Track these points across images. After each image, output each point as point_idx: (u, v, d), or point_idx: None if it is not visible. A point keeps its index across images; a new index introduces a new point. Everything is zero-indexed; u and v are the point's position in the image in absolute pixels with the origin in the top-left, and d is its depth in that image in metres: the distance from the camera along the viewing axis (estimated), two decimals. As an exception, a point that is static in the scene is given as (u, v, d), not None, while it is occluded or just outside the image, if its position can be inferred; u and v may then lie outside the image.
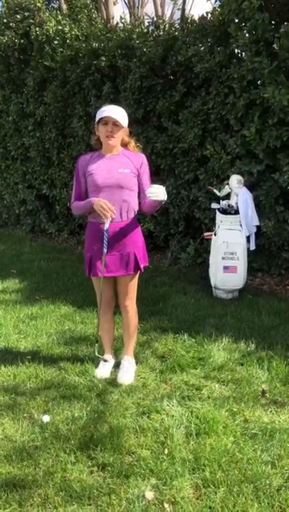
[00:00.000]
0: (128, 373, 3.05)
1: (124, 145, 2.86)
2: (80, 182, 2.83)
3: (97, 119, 2.72)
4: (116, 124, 2.70)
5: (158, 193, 2.59)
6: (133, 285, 2.98)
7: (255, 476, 2.13)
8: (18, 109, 6.99)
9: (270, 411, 2.67)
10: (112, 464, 2.25)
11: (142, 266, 2.90)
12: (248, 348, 3.42)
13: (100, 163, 2.77)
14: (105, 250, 2.77)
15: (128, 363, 3.12)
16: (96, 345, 3.06)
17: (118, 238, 2.77)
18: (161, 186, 2.62)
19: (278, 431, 2.46)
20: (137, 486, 2.11)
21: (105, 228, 2.73)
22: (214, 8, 5.00)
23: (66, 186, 6.70)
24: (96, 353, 3.03)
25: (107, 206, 2.66)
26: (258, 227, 4.53)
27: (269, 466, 2.21)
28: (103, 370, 3.10)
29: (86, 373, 3.09)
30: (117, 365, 3.16)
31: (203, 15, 5.06)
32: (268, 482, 2.10)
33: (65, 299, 4.51)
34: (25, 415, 2.67)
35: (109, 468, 2.23)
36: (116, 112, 2.68)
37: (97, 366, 3.15)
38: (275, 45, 4.08)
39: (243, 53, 4.63)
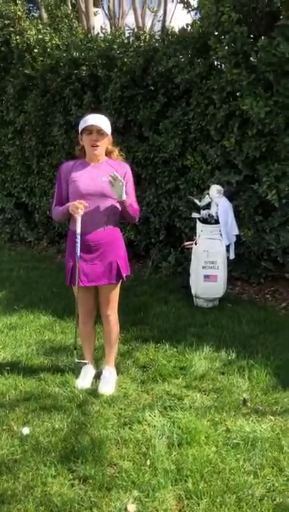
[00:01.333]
0: (109, 384, 3.02)
1: (108, 154, 2.86)
2: (61, 188, 2.82)
3: (80, 128, 2.71)
4: (100, 133, 2.71)
5: (116, 186, 2.64)
6: (115, 294, 2.97)
7: (237, 487, 2.13)
8: (-2, 116, 6.93)
9: (252, 420, 2.67)
10: (94, 476, 2.22)
11: (124, 275, 2.89)
12: (229, 357, 3.43)
13: (84, 171, 2.77)
14: (78, 254, 2.75)
15: (109, 373, 3.09)
16: (75, 351, 3.03)
17: (100, 247, 2.76)
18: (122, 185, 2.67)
19: (260, 440, 2.47)
20: (119, 499, 2.08)
21: (78, 231, 2.72)
22: (194, 21, 5.07)
23: (46, 195, 6.65)
24: (76, 359, 3.02)
25: (78, 202, 2.67)
26: (237, 236, 4.57)
27: (251, 476, 2.21)
28: (84, 381, 3.07)
29: (66, 384, 3.04)
30: (98, 376, 3.13)
31: (183, 27, 5.12)
32: (250, 492, 2.10)
33: (45, 309, 4.46)
34: (4, 427, 2.62)
35: (90, 481, 2.20)
36: (99, 121, 2.69)
37: (77, 377, 3.12)
38: (252, 58, 4.15)
39: (223, 65, 4.69)
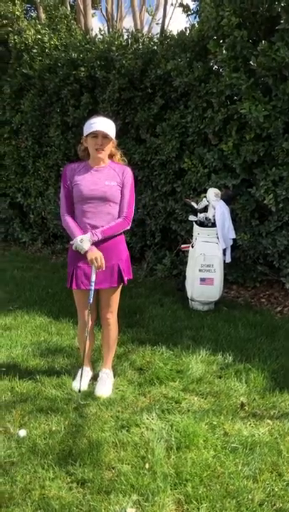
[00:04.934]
0: (106, 386, 3.00)
1: (111, 156, 2.85)
2: (69, 191, 2.78)
3: (86, 131, 2.69)
4: (105, 137, 2.69)
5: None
6: (116, 298, 2.96)
7: (237, 491, 2.12)
8: (-6, 116, 6.90)
9: (250, 424, 2.67)
10: (92, 479, 2.20)
11: (125, 278, 2.87)
12: (226, 361, 3.43)
13: (87, 175, 2.75)
14: (91, 301, 2.80)
15: (106, 375, 3.08)
16: (79, 393, 2.90)
17: (102, 251, 2.73)
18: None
19: (258, 444, 2.46)
20: (118, 503, 2.06)
21: (92, 279, 2.75)
22: (193, 25, 5.08)
23: (41, 195, 6.63)
24: (80, 401, 2.85)
25: (100, 262, 2.69)
26: (233, 240, 4.57)
27: (251, 481, 2.20)
28: (81, 383, 3.04)
29: (63, 386, 3.02)
30: (94, 378, 3.12)
31: (182, 30, 5.13)
32: (250, 497, 2.09)
33: (40, 310, 4.42)
34: (0, 429, 2.59)
35: (89, 484, 2.17)
36: (106, 125, 2.67)
37: (74, 378, 3.09)
38: (251, 62, 4.16)
39: (221, 69, 4.70)
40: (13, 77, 6.42)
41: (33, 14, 9.16)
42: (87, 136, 2.71)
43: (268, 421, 2.69)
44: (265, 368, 3.27)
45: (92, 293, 2.78)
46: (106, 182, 2.73)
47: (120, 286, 2.94)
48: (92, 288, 2.76)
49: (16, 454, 2.38)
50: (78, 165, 2.82)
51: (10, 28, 6.34)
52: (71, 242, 2.76)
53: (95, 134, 2.68)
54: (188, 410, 2.78)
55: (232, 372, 3.24)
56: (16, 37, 6.22)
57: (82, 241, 2.68)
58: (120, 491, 2.12)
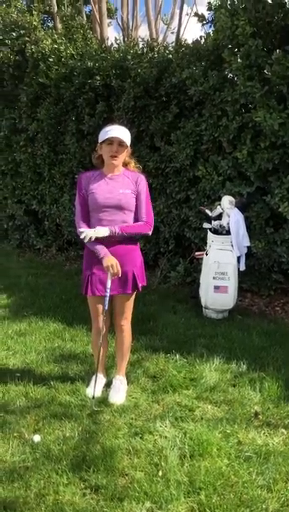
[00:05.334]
0: (120, 393, 3.01)
1: (125, 165, 2.88)
2: (84, 199, 2.81)
3: (101, 138, 2.73)
4: (121, 145, 2.72)
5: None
6: (130, 304, 2.97)
7: (251, 501, 2.11)
8: (10, 124, 6.99)
9: (264, 433, 2.65)
10: (106, 486, 2.20)
11: (140, 285, 2.89)
12: (240, 369, 3.41)
13: (102, 183, 2.78)
14: (106, 308, 2.82)
15: (120, 382, 3.09)
16: (93, 400, 2.93)
17: (117, 257, 2.75)
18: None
19: (272, 454, 2.44)
20: (131, 510, 2.06)
21: (108, 285, 2.77)
22: (208, 34, 5.11)
23: (56, 202, 6.69)
24: (94, 408, 2.88)
25: (116, 269, 2.71)
26: (248, 248, 4.56)
27: (265, 490, 2.18)
28: (94, 389, 3.05)
29: (77, 392, 3.04)
30: (108, 385, 3.13)
31: (197, 39, 5.16)
32: (264, 507, 2.08)
33: (54, 316, 4.45)
34: (15, 435, 2.61)
35: (102, 491, 2.18)
36: (121, 133, 2.70)
37: (88, 385, 3.10)
38: (266, 71, 4.17)
39: (236, 77, 4.71)
40: (29, 86, 6.51)
41: (50, 24, 9.30)
42: (102, 142, 2.74)
43: (282, 430, 2.68)
44: (280, 377, 3.26)
45: (107, 299, 2.80)
46: (120, 190, 2.75)
47: (135, 293, 2.96)
48: (108, 294, 2.78)
49: (31, 459, 2.40)
50: (93, 173, 2.85)
51: (27, 38, 6.43)
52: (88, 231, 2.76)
53: (110, 141, 2.71)
54: (202, 418, 2.78)
55: (246, 380, 3.23)
56: (32, 46, 6.32)
57: (101, 228, 2.71)
58: (134, 498, 2.12)
